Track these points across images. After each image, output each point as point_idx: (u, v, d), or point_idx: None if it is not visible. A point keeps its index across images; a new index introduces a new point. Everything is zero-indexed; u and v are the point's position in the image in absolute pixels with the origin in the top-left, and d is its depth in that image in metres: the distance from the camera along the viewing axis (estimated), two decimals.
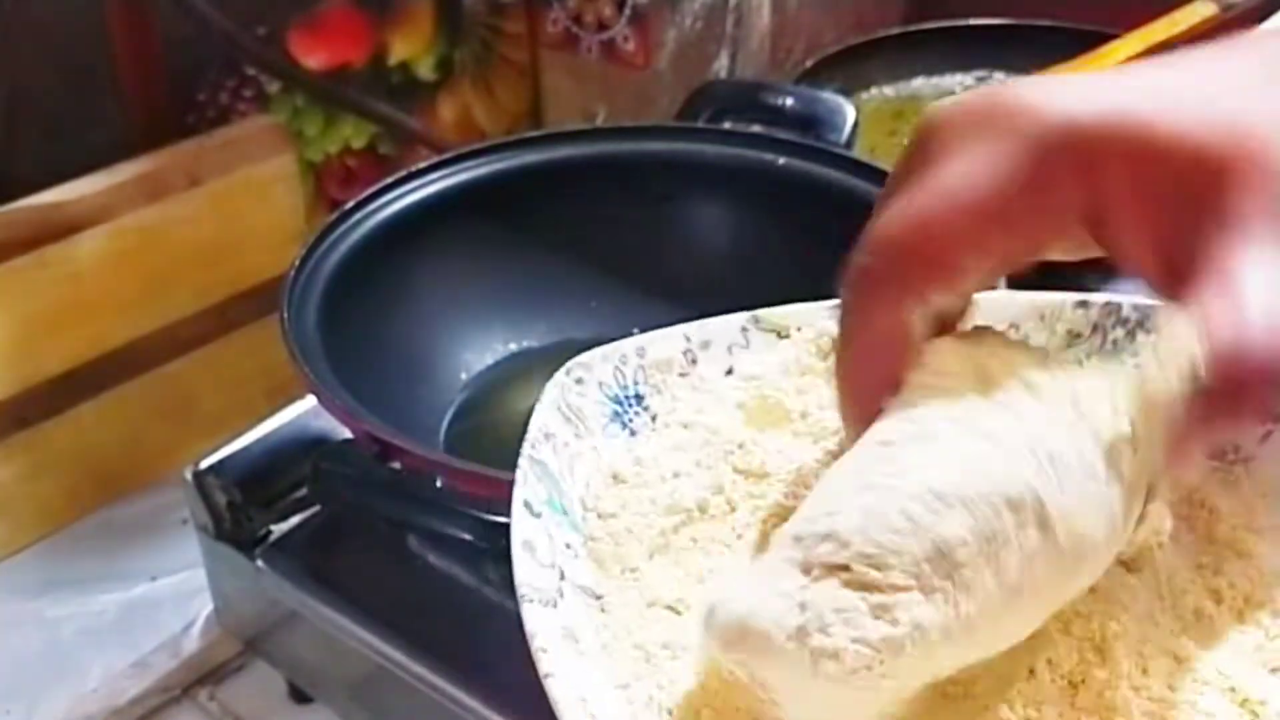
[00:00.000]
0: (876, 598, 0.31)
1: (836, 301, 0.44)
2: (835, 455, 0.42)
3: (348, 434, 0.56)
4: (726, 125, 0.74)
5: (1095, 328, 0.46)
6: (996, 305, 0.45)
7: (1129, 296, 0.45)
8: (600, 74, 1.00)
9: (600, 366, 0.43)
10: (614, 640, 0.37)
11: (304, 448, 0.64)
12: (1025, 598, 0.33)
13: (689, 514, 0.41)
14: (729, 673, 0.34)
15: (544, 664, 0.33)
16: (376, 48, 0.93)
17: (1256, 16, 0.85)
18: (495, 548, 0.49)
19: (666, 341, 0.45)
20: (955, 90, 0.93)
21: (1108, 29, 0.90)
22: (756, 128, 0.73)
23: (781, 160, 0.70)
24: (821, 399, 0.44)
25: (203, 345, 0.81)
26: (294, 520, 0.64)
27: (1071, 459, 0.34)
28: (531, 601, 0.35)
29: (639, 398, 0.44)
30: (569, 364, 0.43)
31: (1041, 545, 0.33)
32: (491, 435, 0.67)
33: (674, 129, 0.74)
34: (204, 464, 0.63)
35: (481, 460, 0.53)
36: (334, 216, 0.65)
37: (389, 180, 0.68)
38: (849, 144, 0.71)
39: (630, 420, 0.43)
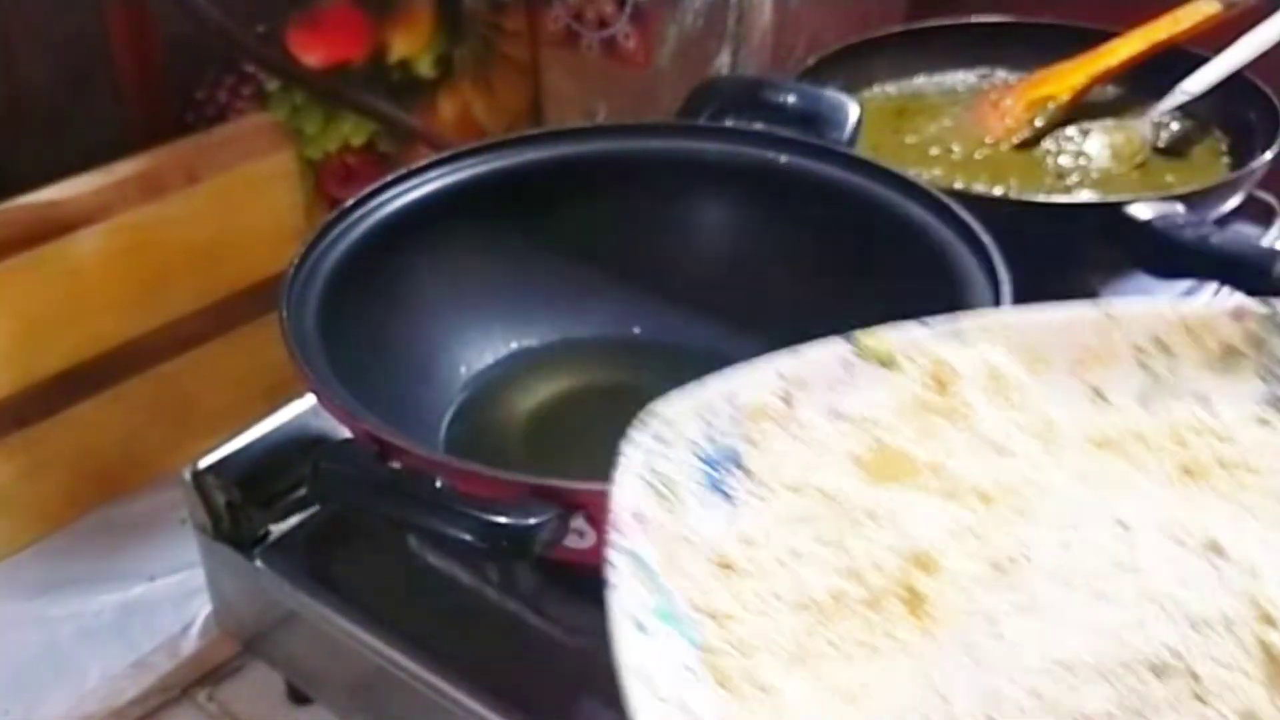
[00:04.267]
0: None
1: (942, 321, 0.40)
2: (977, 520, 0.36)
3: (347, 433, 0.56)
4: (728, 123, 0.73)
5: (1256, 342, 0.41)
6: (1134, 317, 0.41)
7: None
8: (601, 72, 1.00)
9: (687, 422, 0.37)
10: None
11: (303, 447, 0.64)
12: None
13: (821, 610, 0.34)
14: None
15: None
16: (376, 45, 0.93)
17: (1258, 15, 0.85)
18: (495, 548, 0.49)
19: (757, 383, 0.39)
20: (958, 88, 0.93)
21: (1110, 27, 0.90)
22: (758, 125, 0.73)
23: (784, 158, 0.70)
24: (950, 445, 0.39)
25: (202, 344, 0.81)
26: (293, 520, 0.64)
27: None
28: None
29: (734, 455, 0.38)
30: (645, 417, 0.37)
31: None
32: (491, 435, 0.67)
33: (675, 127, 0.74)
34: (203, 463, 0.63)
35: (481, 460, 0.53)
36: (333, 215, 0.65)
37: (388, 178, 0.68)
38: (852, 142, 0.71)
39: (727, 485, 0.37)
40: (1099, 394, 0.41)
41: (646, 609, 0.32)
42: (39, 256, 0.72)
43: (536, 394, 0.69)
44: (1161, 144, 0.86)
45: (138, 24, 0.80)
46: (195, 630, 0.69)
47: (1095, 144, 0.85)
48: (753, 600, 0.34)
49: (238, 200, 0.80)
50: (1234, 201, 0.79)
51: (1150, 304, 0.42)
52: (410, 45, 0.95)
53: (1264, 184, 0.80)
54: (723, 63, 0.99)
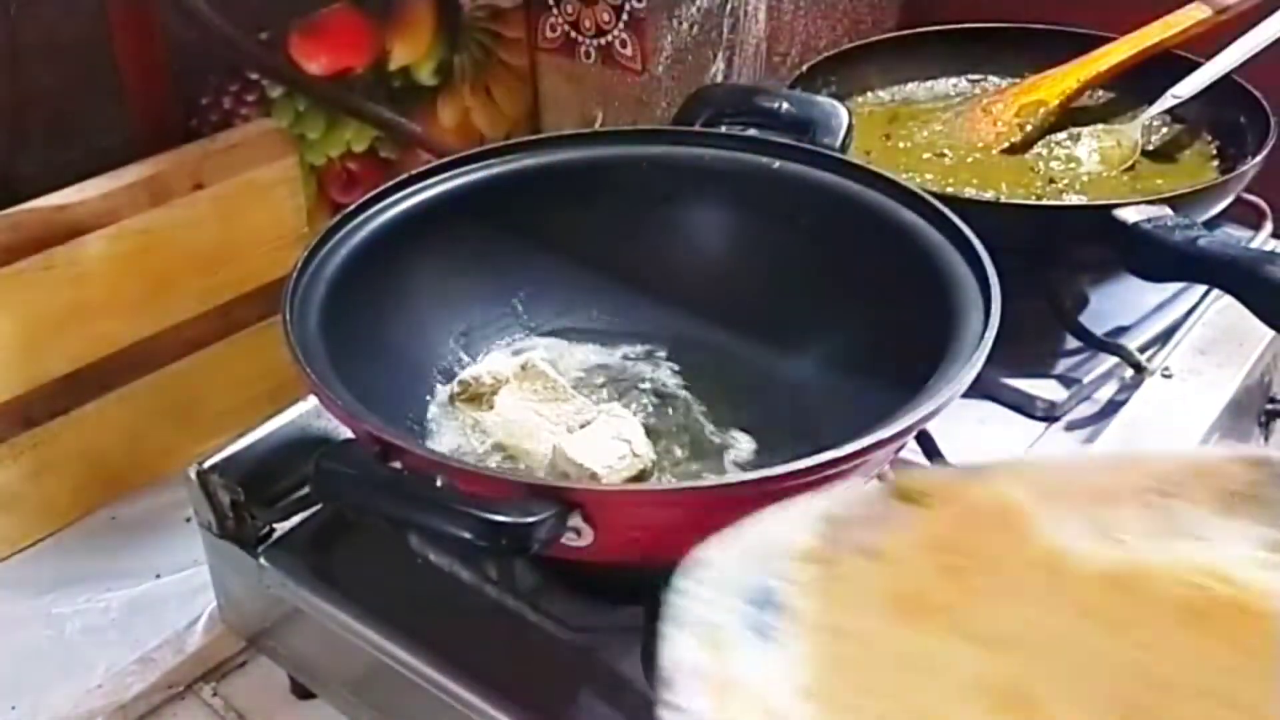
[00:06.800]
0: None
1: (974, 463, 0.43)
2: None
3: (349, 434, 0.57)
4: (723, 129, 0.74)
5: (1260, 490, 0.43)
6: (1150, 460, 0.43)
7: None
8: (598, 79, 1.00)
9: (730, 566, 0.38)
10: None
11: (306, 447, 0.65)
12: None
13: None
14: None
15: None
16: (377, 52, 0.93)
17: (1248, 20, 0.86)
18: (494, 546, 0.49)
19: (798, 525, 0.40)
20: (949, 93, 0.94)
21: (1102, 32, 0.90)
22: (752, 131, 0.73)
23: (777, 164, 0.70)
24: (970, 585, 0.41)
25: (206, 346, 0.81)
26: (296, 519, 0.65)
27: None
28: None
29: (777, 597, 0.39)
30: (690, 565, 0.38)
31: None
32: None
33: (671, 133, 0.74)
34: (208, 463, 0.64)
35: None
36: (335, 219, 0.66)
37: (390, 184, 0.68)
38: (844, 147, 0.71)
39: (771, 627, 0.38)
40: (1108, 532, 0.42)
41: None
42: (46, 260, 0.73)
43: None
44: (1151, 148, 0.86)
45: (143, 31, 0.80)
46: (200, 626, 0.70)
47: (1085, 148, 0.85)
48: None
49: (242, 205, 0.81)
50: (1223, 204, 0.79)
51: (1162, 450, 0.44)
52: (411, 52, 0.95)
53: (1253, 187, 0.81)
54: (717, 70, 1.00)
